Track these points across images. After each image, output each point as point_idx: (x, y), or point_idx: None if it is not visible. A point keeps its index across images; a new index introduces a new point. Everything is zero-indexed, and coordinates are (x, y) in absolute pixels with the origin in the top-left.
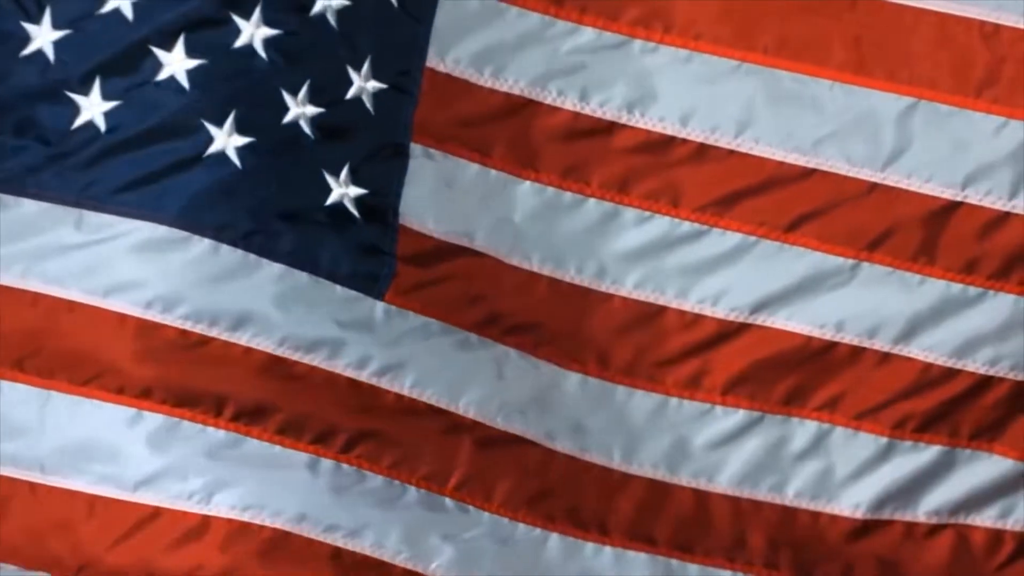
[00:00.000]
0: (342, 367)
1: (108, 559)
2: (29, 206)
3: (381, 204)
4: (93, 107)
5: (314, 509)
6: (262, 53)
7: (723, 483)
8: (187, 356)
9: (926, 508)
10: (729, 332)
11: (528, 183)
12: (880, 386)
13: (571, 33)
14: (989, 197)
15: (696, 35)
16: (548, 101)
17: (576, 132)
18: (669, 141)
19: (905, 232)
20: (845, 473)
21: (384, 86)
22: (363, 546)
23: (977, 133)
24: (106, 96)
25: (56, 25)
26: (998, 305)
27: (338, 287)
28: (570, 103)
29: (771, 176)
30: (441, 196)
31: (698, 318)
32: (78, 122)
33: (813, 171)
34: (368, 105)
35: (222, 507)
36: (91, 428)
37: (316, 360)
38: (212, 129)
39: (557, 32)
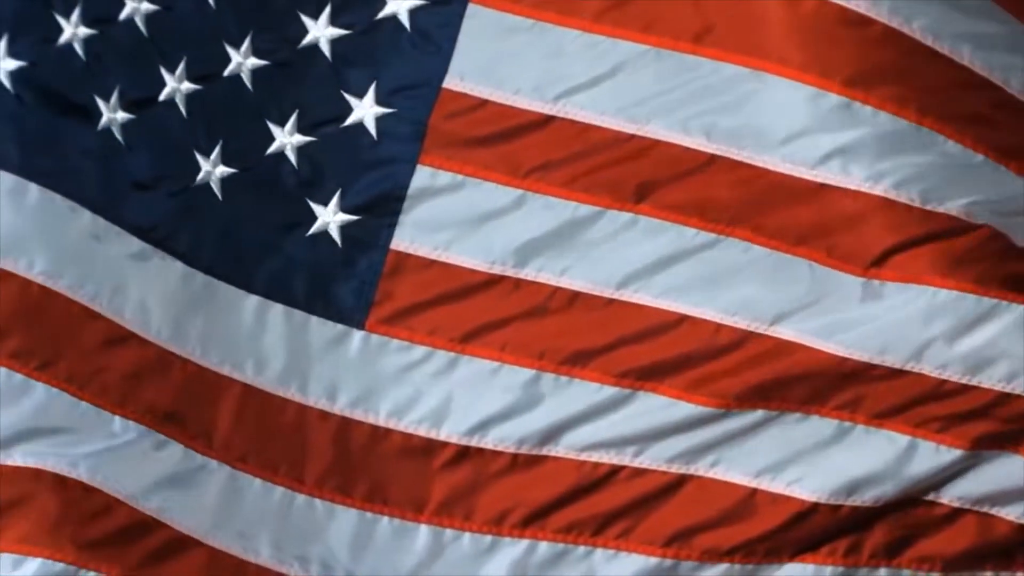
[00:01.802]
0: (313, 400)
1: None
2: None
3: (372, 231)
4: (111, 114)
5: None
6: (248, 84)
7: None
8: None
9: (949, 495)
10: (746, 343)
11: (545, 198)
12: (898, 393)
13: (597, 45)
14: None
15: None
16: (571, 116)
17: (597, 146)
18: (684, 153)
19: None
20: (864, 470)
21: (391, 110)
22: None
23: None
24: (123, 107)
25: (85, 22)
26: (1014, 316)
27: (313, 318)
28: (591, 117)
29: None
30: (446, 218)
31: (719, 328)
32: (101, 125)
33: (822, 186)
34: (371, 131)
35: None
36: None
37: (287, 393)
38: (200, 160)
39: (583, 44)
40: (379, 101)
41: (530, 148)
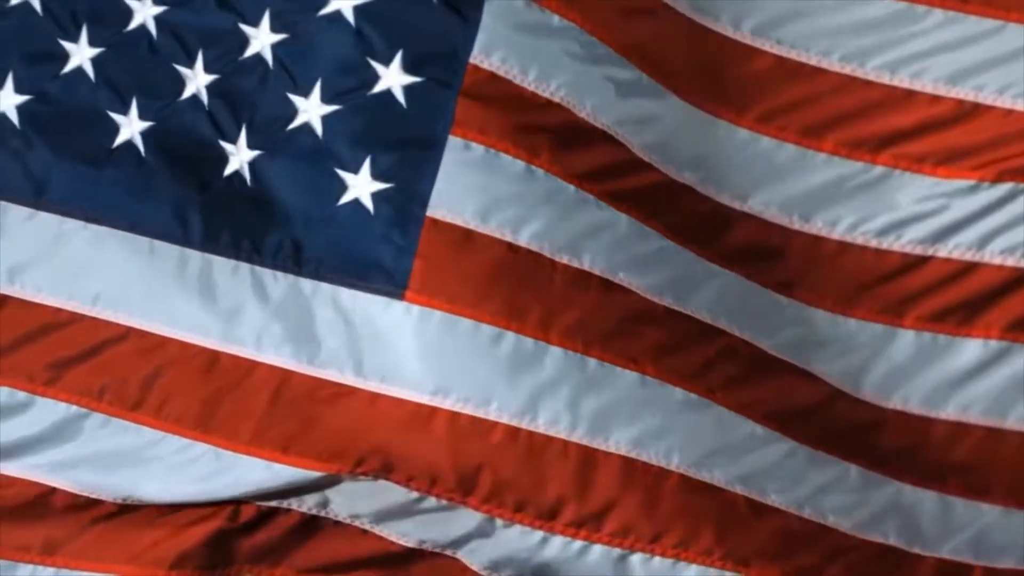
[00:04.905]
0: (351, 378)
1: None
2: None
3: (407, 198)
4: (132, 127)
5: None
6: (269, 60)
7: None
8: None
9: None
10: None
11: (572, 188)
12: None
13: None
14: (958, 250)
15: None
16: (583, 116)
17: (606, 151)
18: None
19: (876, 288)
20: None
21: (419, 79)
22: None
23: (945, 194)
24: (142, 117)
25: (92, 42)
26: (966, 351)
27: (344, 291)
28: (600, 122)
29: None
30: (482, 189)
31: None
32: (118, 141)
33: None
34: (400, 98)
35: None
36: None
37: (321, 373)
38: (228, 147)
39: (598, 54)
40: (406, 69)
41: (560, 139)
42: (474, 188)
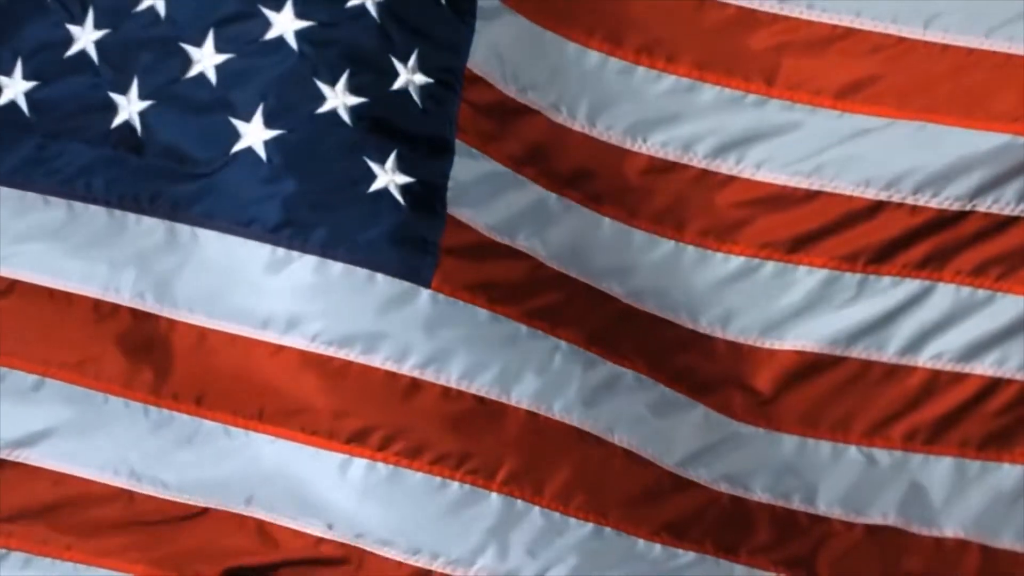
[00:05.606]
0: (380, 361)
1: None
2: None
3: (429, 193)
4: (131, 107)
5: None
6: (293, 45)
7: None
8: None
9: (947, 524)
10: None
11: (554, 196)
12: (888, 400)
13: (581, 55)
14: (996, 205)
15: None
16: (560, 121)
17: (590, 153)
18: (672, 166)
19: (912, 244)
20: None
21: (430, 80)
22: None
23: (982, 151)
24: (142, 96)
25: (97, 25)
26: (1006, 306)
27: (379, 275)
28: (579, 124)
29: (776, 198)
30: (482, 194)
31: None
32: (116, 121)
33: (817, 193)
34: (415, 98)
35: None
36: None
37: (351, 355)
38: (240, 125)
39: (570, 53)
40: (420, 69)
41: (540, 146)
42: (480, 191)
